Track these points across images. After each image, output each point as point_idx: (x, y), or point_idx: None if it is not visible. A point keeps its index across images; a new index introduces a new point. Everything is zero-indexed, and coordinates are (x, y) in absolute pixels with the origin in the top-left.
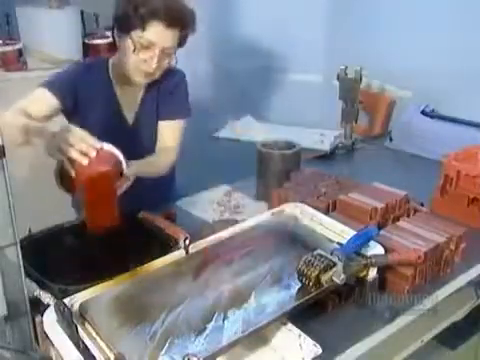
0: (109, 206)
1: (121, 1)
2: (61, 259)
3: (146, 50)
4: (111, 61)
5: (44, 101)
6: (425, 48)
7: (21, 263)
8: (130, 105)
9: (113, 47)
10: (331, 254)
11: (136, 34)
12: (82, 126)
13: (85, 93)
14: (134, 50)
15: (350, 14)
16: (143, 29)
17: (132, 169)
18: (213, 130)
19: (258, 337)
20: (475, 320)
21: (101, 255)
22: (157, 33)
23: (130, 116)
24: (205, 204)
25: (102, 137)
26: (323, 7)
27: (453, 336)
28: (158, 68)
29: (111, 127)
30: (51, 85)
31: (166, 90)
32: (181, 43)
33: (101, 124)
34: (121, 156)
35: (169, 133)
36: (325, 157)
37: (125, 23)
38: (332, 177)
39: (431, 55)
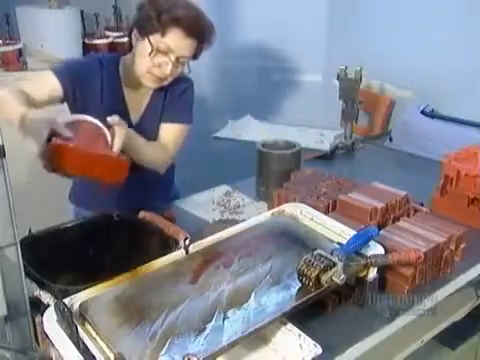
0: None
1: (145, 3)
2: (61, 259)
3: (162, 55)
4: (123, 59)
5: (47, 84)
6: (425, 48)
7: (21, 263)
8: (136, 106)
9: (113, 47)
10: (331, 254)
11: (155, 38)
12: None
13: (92, 87)
14: (150, 53)
15: (350, 14)
16: (163, 34)
17: (130, 133)
18: (213, 130)
19: (258, 337)
20: (475, 320)
21: (101, 255)
22: (176, 40)
23: (135, 117)
24: (205, 204)
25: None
26: (323, 7)
27: (453, 336)
28: (170, 75)
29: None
30: (59, 70)
31: (173, 95)
32: (196, 55)
33: (104, 121)
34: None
35: (169, 135)
36: (325, 157)
37: (146, 26)
38: (332, 177)
39: (431, 55)
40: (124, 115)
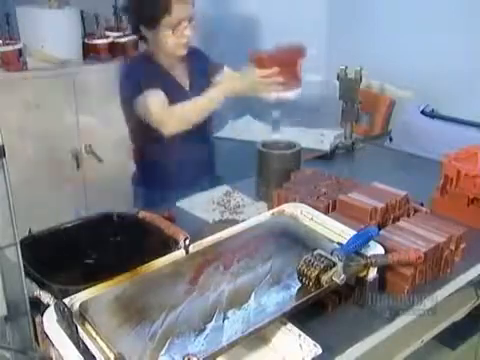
0: None
1: (144, 7)
2: (61, 259)
3: (178, 27)
4: (151, 53)
5: (158, 95)
6: (425, 48)
7: (21, 263)
8: (183, 77)
9: (113, 47)
10: (331, 254)
11: (166, 21)
12: None
13: (153, 82)
14: (173, 32)
15: (350, 15)
16: (170, 13)
17: None
18: (213, 130)
19: (258, 337)
20: (475, 320)
21: (101, 255)
22: (181, 9)
23: (187, 85)
24: (205, 204)
25: (171, 102)
26: (324, 8)
27: (453, 336)
28: (191, 35)
29: (177, 98)
30: (145, 85)
31: (196, 54)
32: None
33: (169, 99)
34: None
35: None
36: (325, 157)
37: (153, 17)
38: (332, 177)
39: (431, 55)
40: (177, 85)
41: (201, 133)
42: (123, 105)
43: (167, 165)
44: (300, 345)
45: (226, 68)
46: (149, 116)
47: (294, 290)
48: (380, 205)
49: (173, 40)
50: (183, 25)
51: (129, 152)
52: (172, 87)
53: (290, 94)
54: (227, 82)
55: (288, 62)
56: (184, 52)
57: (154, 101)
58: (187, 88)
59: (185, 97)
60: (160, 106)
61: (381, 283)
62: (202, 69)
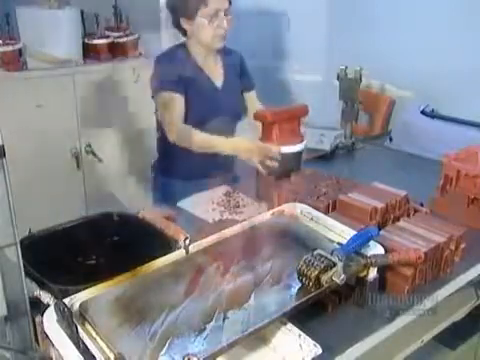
0: None
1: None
2: (61, 259)
3: (215, 18)
4: (188, 45)
5: (178, 102)
6: (425, 48)
7: (21, 263)
8: (216, 75)
9: (113, 47)
10: (331, 254)
11: (202, 12)
12: (186, 99)
13: (183, 76)
14: (209, 22)
15: (350, 14)
16: (206, 4)
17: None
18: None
19: (258, 337)
20: (475, 320)
21: (101, 255)
22: (217, 0)
23: (218, 83)
24: (205, 204)
25: (201, 103)
26: (323, 7)
27: (453, 336)
28: (227, 28)
29: (206, 94)
30: (170, 86)
31: (234, 58)
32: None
33: (199, 94)
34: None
35: (254, 102)
36: (325, 157)
37: (191, 8)
38: (332, 177)
39: (431, 55)
40: (210, 84)
41: (227, 129)
42: (153, 93)
43: (189, 157)
44: (300, 345)
45: (253, 94)
46: (163, 118)
47: (294, 290)
48: (380, 205)
49: (210, 31)
50: (220, 16)
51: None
52: (203, 83)
53: (293, 148)
54: (242, 142)
55: (291, 119)
56: (221, 45)
57: (173, 108)
58: (219, 86)
59: (215, 95)
60: (176, 115)
61: (381, 283)
62: (236, 70)
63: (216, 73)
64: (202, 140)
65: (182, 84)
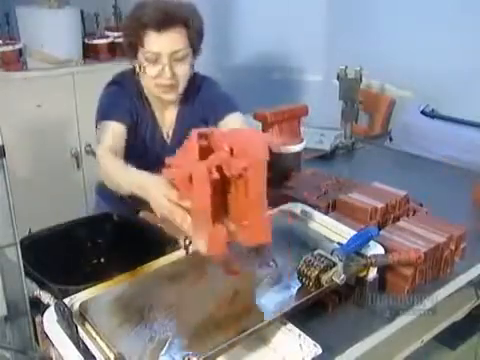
0: None
1: (124, 29)
2: (61, 259)
3: (156, 64)
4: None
5: (119, 134)
6: (425, 48)
7: (21, 263)
8: (167, 123)
9: (113, 47)
10: (331, 254)
11: (141, 54)
12: (132, 145)
13: (134, 111)
14: (146, 67)
15: (350, 14)
16: (142, 45)
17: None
18: None
19: (258, 337)
20: (475, 320)
21: (101, 255)
22: (154, 42)
23: (167, 134)
24: None
25: (146, 156)
26: (323, 7)
27: (453, 336)
28: (175, 77)
29: (152, 145)
30: (114, 115)
31: (205, 97)
32: (193, 46)
33: (144, 142)
34: None
35: (236, 125)
36: (325, 157)
37: (130, 49)
38: (332, 177)
39: (431, 55)
40: (158, 133)
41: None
42: (95, 124)
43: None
44: (300, 345)
45: (229, 119)
46: (97, 147)
47: (294, 290)
48: (380, 205)
49: (150, 79)
50: (163, 63)
51: None
52: (151, 133)
53: (293, 148)
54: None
55: (291, 119)
56: (168, 97)
57: (108, 138)
58: (168, 140)
59: (164, 150)
60: (107, 146)
61: (381, 283)
62: (201, 112)
63: (168, 121)
64: (129, 179)
65: (128, 115)
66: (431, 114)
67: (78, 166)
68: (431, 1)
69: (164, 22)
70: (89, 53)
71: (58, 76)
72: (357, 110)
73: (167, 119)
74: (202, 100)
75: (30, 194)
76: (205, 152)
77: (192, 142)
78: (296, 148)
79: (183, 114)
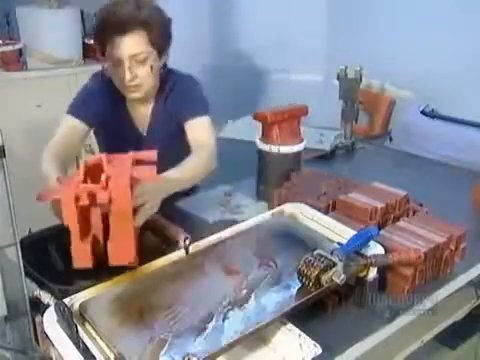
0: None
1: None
2: (61, 259)
3: (119, 65)
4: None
5: (74, 130)
6: (425, 48)
7: (21, 263)
8: (142, 117)
9: None
10: (331, 254)
11: (107, 56)
12: (104, 140)
13: (103, 110)
14: (111, 68)
15: (350, 14)
16: (105, 49)
17: (172, 185)
18: None
19: (258, 337)
20: (475, 320)
21: (101, 255)
22: (115, 45)
23: (142, 128)
24: (205, 204)
25: (123, 150)
26: (323, 7)
27: (453, 336)
28: (137, 78)
29: (129, 140)
30: (75, 110)
31: (177, 96)
32: (157, 48)
33: (120, 137)
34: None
35: (200, 130)
36: (325, 157)
37: (99, 45)
38: (332, 177)
39: (431, 55)
40: (132, 127)
41: None
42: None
43: None
44: (300, 345)
45: (196, 121)
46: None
47: (294, 290)
48: (380, 205)
49: (116, 79)
50: (125, 66)
51: None
52: (124, 125)
53: (293, 148)
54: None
55: (290, 119)
56: (135, 96)
57: (58, 133)
58: (144, 133)
59: (139, 142)
60: (56, 138)
61: (381, 283)
62: (174, 108)
63: (143, 116)
64: (48, 172)
65: (92, 114)
66: (431, 114)
67: (78, 166)
68: (431, 1)
69: (123, 26)
70: (89, 53)
71: (58, 76)
72: (357, 110)
73: (142, 114)
74: (175, 98)
75: (30, 194)
76: (94, 173)
77: (82, 166)
78: (296, 148)
79: (157, 110)
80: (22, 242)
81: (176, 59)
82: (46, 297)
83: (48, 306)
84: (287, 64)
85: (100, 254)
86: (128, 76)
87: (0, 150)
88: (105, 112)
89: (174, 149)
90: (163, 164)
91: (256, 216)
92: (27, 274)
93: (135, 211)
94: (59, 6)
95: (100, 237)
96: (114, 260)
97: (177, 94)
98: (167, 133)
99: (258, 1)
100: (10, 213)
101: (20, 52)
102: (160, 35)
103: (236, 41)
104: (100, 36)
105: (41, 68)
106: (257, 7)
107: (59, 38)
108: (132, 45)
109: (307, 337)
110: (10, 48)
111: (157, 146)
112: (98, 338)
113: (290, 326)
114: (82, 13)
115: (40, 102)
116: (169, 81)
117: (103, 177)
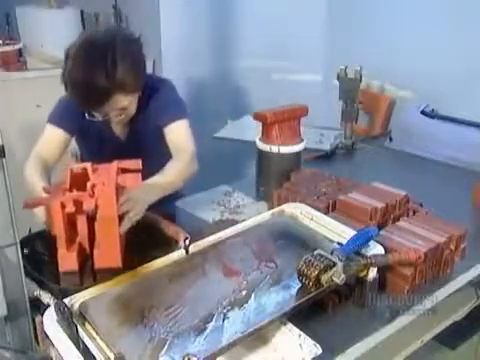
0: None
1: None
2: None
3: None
4: None
5: (54, 138)
6: (425, 48)
7: (21, 263)
8: (121, 125)
9: None
10: (331, 254)
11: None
12: (85, 147)
13: (82, 119)
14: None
15: (350, 14)
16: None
17: (156, 192)
18: (213, 130)
19: (258, 337)
20: (475, 320)
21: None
22: (95, 110)
23: (122, 135)
24: (205, 204)
25: (101, 155)
26: (323, 7)
27: (453, 336)
28: (121, 115)
29: (107, 145)
30: (56, 120)
31: (155, 102)
32: (137, 89)
33: (99, 143)
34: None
35: (179, 134)
36: (325, 157)
37: None
38: (332, 177)
39: (431, 55)
40: (112, 136)
41: None
42: None
43: None
44: (300, 345)
45: (174, 126)
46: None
47: (294, 290)
48: (380, 205)
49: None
50: (110, 116)
51: None
52: (103, 134)
53: (293, 148)
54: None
55: (290, 119)
56: (121, 122)
57: (41, 142)
58: (122, 139)
59: (118, 148)
60: (37, 150)
61: (381, 283)
62: (152, 114)
63: (120, 125)
64: (32, 185)
65: (70, 123)
66: (431, 114)
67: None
68: (431, 1)
69: (99, 101)
70: None
71: (58, 76)
72: (357, 110)
73: (121, 122)
74: (155, 103)
75: (30, 194)
76: (79, 182)
77: (67, 175)
78: (296, 148)
79: (136, 117)
80: (22, 242)
81: (176, 59)
82: (46, 297)
83: (48, 306)
84: (287, 64)
85: (86, 259)
86: (114, 120)
87: (0, 150)
88: (84, 121)
89: (155, 154)
90: (146, 169)
91: (256, 216)
92: (27, 274)
93: (121, 218)
94: (59, 6)
95: (86, 244)
96: (100, 263)
97: (158, 99)
98: (146, 138)
99: (258, 1)
100: (10, 213)
101: (20, 52)
102: (138, 82)
103: (236, 41)
104: (78, 105)
105: (41, 68)
106: (257, 7)
107: (59, 38)
108: (113, 105)
109: (307, 337)
110: (10, 48)
111: (137, 152)
112: (98, 338)
113: (290, 326)
114: (82, 13)
115: (40, 102)
116: (146, 88)
117: (89, 185)
